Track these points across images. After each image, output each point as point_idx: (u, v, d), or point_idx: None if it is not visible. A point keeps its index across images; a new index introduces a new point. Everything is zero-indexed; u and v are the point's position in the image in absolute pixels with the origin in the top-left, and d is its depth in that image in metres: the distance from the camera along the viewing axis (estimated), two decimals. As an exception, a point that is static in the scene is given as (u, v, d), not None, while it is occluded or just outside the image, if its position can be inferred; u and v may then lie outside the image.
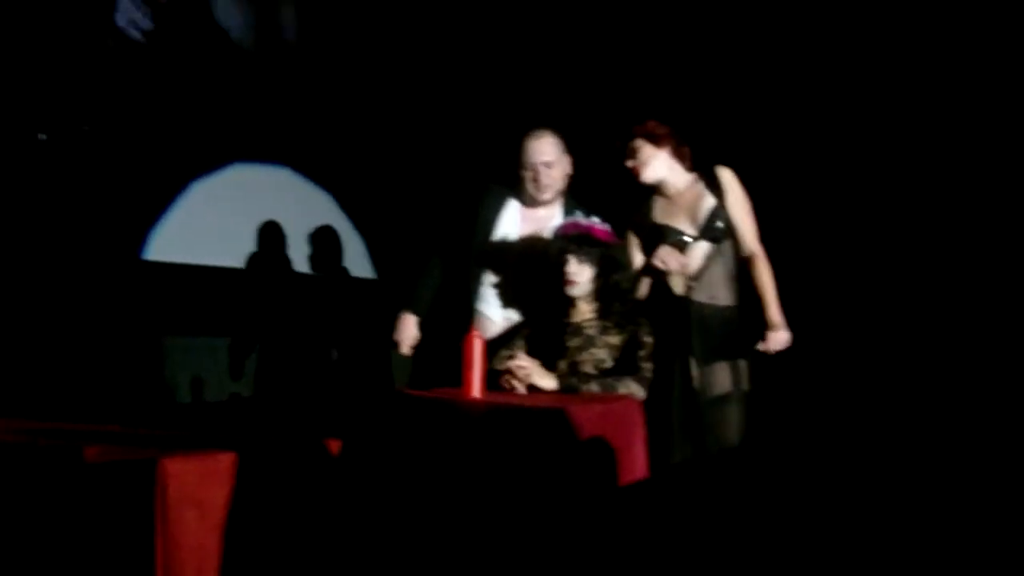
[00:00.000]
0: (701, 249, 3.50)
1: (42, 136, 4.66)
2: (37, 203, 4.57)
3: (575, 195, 3.69)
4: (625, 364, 3.22)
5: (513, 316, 3.61)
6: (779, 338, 3.44)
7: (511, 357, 3.21)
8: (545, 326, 3.37)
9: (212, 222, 5.20)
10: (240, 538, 2.10)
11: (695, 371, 3.41)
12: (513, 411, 2.81)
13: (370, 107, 5.86)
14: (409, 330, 3.69)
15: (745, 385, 3.46)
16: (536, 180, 3.59)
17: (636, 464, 2.96)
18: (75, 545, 2.05)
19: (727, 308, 3.49)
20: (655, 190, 3.60)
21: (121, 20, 5.02)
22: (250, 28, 5.59)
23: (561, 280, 3.29)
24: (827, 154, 4.52)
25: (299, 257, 5.47)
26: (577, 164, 3.69)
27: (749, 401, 3.46)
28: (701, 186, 3.56)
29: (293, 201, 5.59)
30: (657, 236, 3.52)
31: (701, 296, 3.47)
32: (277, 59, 5.65)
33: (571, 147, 3.68)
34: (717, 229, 3.49)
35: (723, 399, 3.43)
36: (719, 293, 3.48)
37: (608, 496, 2.82)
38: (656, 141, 3.53)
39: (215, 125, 5.29)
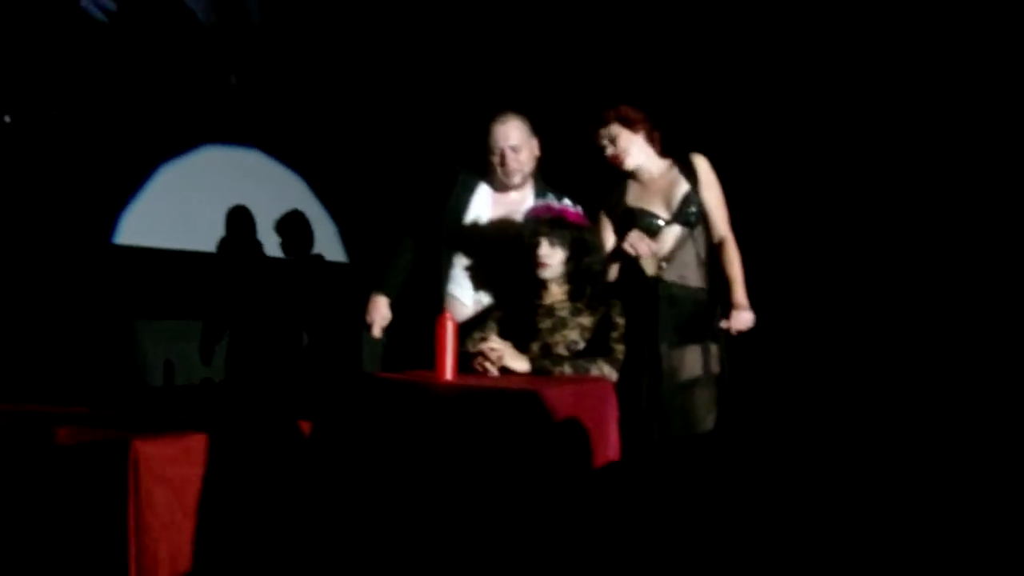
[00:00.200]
0: (674, 233, 3.52)
1: (7, 119, 4.61)
2: (4, 188, 4.53)
3: (545, 176, 3.69)
4: (597, 345, 3.24)
5: (484, 299, 3.61)
6: (743, 317, 3.46)
7: (483, 339, 3.21)
8: (517, 308, 3.38)
9: (182, 205, 5.17)
10: (212, 519, 2.09)
11: (664, 353, 3.43)
12: (486, 394, 2.81)
13: (341, 90, 5.84)
14: (381, 311, 3.65)
15: (716, 368, 3.49)
16: (504, 164, 3.57)
17: (609, 446, 2.98)
18: (47, 527, 2.04)
19: (698, 290, 3.51)
20: (629, 175, 3.61)
21: (85, 1, 4.97)
22: (214, 7, 5.55)
23: (533, 263, 3.30)
24: (797, 140, 4.55)
25: (270, 240, 5.45)
26: (546, 145, 3.68)
27: (721, 384, 3.49)
28: (675, 172, 3.58)
29: (264, 184, 5.57)
30: (631, 220, 3.54)
31: (672, 276, 3.49)
32: (243, 38, 5.61)
33: (540, 128, 3.65)
34: (691, 214, 3.52)
35: (693, 382, 3.45)
36: (690, 275, 3.51)
37: (581, 478, 2.84)
38: (631, 126, 3.55)
39: (184, 107, 5.25)
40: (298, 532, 2.30)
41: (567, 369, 3.15)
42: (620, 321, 3.26)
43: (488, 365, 3.13)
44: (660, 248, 3.50)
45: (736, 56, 4.73)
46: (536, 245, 3.29)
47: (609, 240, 3.59)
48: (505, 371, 3.14)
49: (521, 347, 3.22)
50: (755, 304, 3.48)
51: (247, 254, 5.37)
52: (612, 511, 2.90)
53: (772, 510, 3.54)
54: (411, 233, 3.74)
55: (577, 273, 3.34)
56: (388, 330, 3.71)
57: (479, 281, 3.63)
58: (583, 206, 3.41)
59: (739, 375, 3.56)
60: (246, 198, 5.38)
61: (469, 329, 3.35)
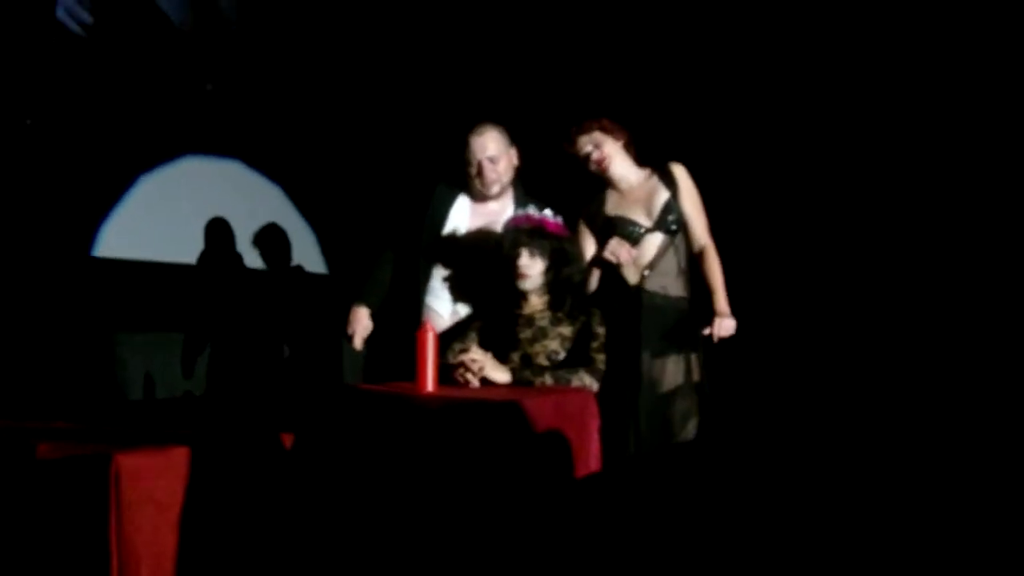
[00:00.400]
0: (655, 241, 3.54)
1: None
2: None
3: (525, 186, 3.70)
4: (578, 355, 3.24)
5: (462, 311, 3.60)
6: (726, 325, 3.48)
7: (464, 350, 3.20)
8: (497, 319, 3.39)
9: (162, 217, 5.15)
10: (195, 532, 2.09)
11: (647, 362, 3.44)
12: (467, 405, 2.81)
13: (320, 101, 5.83)
14: (362, 322, 3.63)
15: (696, 377, 3.51)
16: (481, 175, 3.56)
17: (590, 455, 2.98)
18: (29, 543, 2.03)
19: (679, 299, 3.53)
20: (608, 184, 3.63)
21: (61, 14, 4.96)
22: (189, 8, 5.53)
23: (513, 273, 3.31)
24: (775, 148, 4.58)
25: (250, 252, 5.43)
26: (525, 155, 3.68)
27: (702, 393, 3.51)
28: (655, 180, 3.61)
29: (244, 195, 5.56)
30: (611, 228, 3.56)
31: (653, 286, 3.51)
32: (220, 43, 5.59)
33: (520, 138, 3.65)
34: (672, 222, 3.54)
35: (674, 391, 3.47)
36: (671, 284, 3.53)
37: (562, 489, 2.84)
38: (612, 134, 3.58)
39: (163, 117, 5.24)
40: (281, 544, 2.30)
41: (548, 380, 3.15)
42: (600, 331, 3.27)
43: (469, 376, 3.12)
44: (642, 256, 3.52)
45: (713, 63, 4.75)
46: (516, 256, 3.30)
47: (589, 249, 3.60)
48: (486, 382, 3.13)
49: (502, 358, 3.22)
50: (736, 311, 3.50)
51: (227, 266, 5.36)
52: (593, 521, 2.90)
53: (753, 518, 3.55)
54: (391, 244, 3.74)
55: (557, 283, 3.34)
56: (369, 341, 3.70)
57: (458, 292, 3.63)
58: (563, 216, 3.42)
59: (720, 383, 3.58)
60: (226, 209, 5.36)
61: (449, 340, 3.35)
